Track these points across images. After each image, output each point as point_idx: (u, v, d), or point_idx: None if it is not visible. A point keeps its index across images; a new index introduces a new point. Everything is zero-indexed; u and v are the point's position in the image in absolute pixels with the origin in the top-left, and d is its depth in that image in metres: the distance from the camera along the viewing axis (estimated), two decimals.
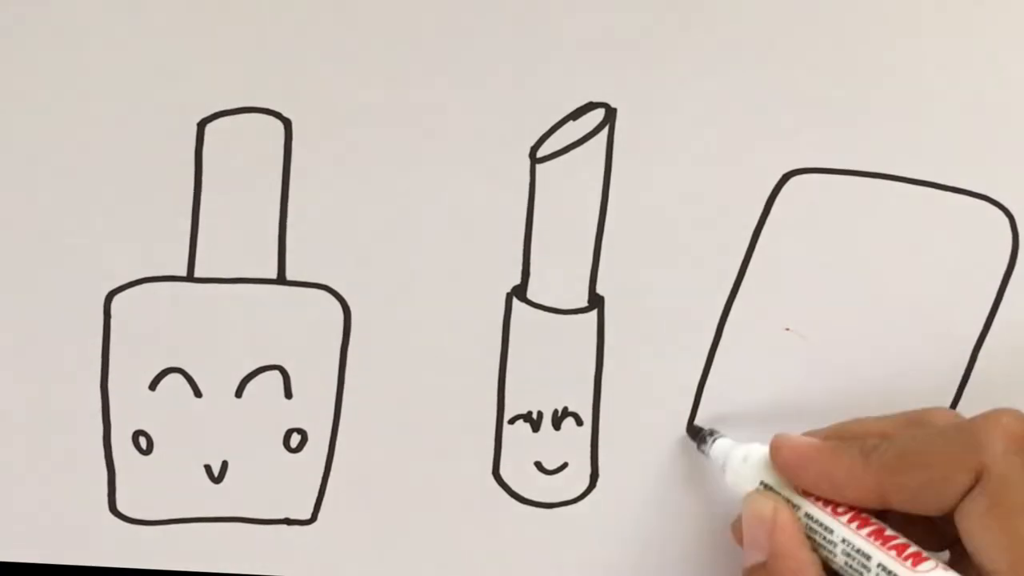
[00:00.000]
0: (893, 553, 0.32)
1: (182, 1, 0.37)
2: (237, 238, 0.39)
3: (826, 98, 0.38)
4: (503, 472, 0.41)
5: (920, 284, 0.39)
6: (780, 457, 0.36)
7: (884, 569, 0.32)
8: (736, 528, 0.38)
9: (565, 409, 0.40)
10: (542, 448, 0.41)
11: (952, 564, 0.33)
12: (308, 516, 0.41)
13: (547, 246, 0.39)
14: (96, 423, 0.40)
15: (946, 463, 0.32)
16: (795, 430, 0.40)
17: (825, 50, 0.38)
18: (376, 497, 0.41)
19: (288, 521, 0.41)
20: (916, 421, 0.36)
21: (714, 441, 0.39)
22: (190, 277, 0.39)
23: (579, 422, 0.41)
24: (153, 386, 0.40)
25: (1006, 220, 0.39)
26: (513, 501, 0.41)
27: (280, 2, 0.37)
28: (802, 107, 0.38)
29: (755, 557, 0.35)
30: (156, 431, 0.40)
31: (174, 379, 0.40)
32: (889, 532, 0.33)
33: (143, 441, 0.40)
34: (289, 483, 0.41)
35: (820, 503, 0.35)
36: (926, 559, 0.32)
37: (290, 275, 0.39)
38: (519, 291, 0.40)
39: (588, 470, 0.41)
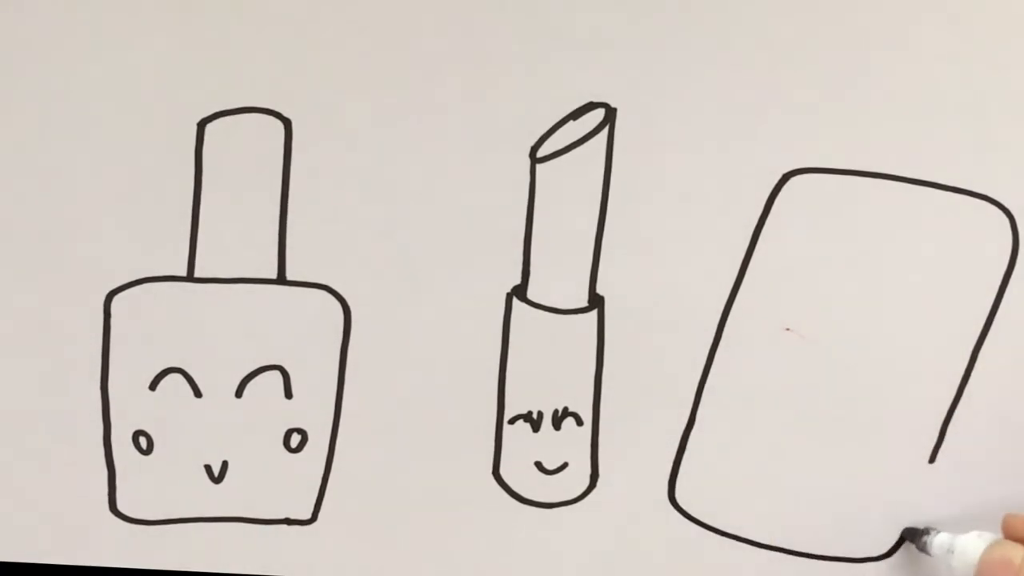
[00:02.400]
0: None
1: (182, 2, 0.37)
2: (237, 238, 0.39)
3: (826, 98, 0.38)
4: (503, 472, 0.41)
5: (920, 284, 0.39)
6: (1015, 527, 0.38)
7: None
8: None
9: (565, 409, 0.40)
10: (542, 448, 0.41)
11: None
12: (308, 516, 0.41)
13: (547, 246, 0.39)
14: (96, 423, 0.40)
15: None
16: (795, 430, 0.40)
17: (825, 51, 0.38)
18: (376, 497, 0.41)
19: (288, 521, 0.41)
20: None
21: (931, 540, 0.40)
22: (190, 277, 0.39)
23: (579, 422, 0.41)
24: (153, 386, 0.40)
25: (1006, 220, 0.39)
26: (513, 501, 0.41)
27: (280, 2, 0.37)
28: (802, 107, 0.38)
29: None
30: (156, 431, 0.40)
31: (174, 379, 0.40)
32: None
33: (143, 441, 0.40)
34: (289, 483, 0.41)
35: None
36: None
37: (290, 275, 0.39)
38: (519, 291, 0.40)
39: (588, 470, 0.41)
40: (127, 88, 0.38)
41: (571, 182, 0.39)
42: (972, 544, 0.38)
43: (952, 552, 0.39)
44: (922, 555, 0.40)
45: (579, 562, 0.42)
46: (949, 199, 0.39)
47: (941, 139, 0.38)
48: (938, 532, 0.40)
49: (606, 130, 0.38)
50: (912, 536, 0.41)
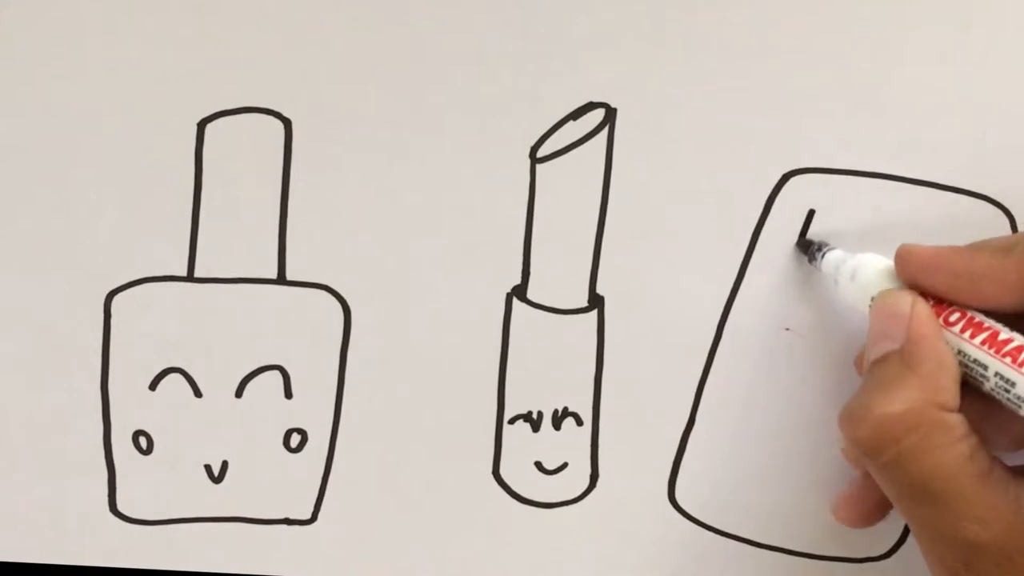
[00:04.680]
0: (1008, 360, 0.32)
1: (182, 2, 0.37)
2: (237, 238, 0.39)
3: (826, 98, 0.38)
4: (503, 472, 0.41)
5: None
6: (912, 260, 0.34)
7: (1001, 377, 0.32)
8: (859, 360, 0.37)
9: (565, 409, 0.40)
10: (542, 448, 0.41)
11: None
12: (308, 516, 0.41)
13: (547, 246, 0.39)
14: (96, 423, 0.40)
15: None
16: (795, 429, 0.40)
17: (825, 50, 0.38)
18: (376, 497, 0.41)
19: (288, 521, 0.41)
20: None
21: (824, 255, 0.37)
22: (190, 277, 0.39)
23: (579, 422, 0.41)
24: (153, 386, 0.40)
25: (1006, 220, 0.39)
26: (513, 501, 0.41)
27: (280, 2, 0.37)
28: (802, 107, 0.38)
29: (885, 347, 0.34)
30: (156, 431, 0.40)
31: (174, 379, 0.40)
32: (1004, 335, 0.32)
33: (143, 441, 0.40)
34: (289, 483, 0.41)
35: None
36: None
37: (290, 275, 0.39)
38: (519, 291, 0.40)
39: (588, 470, 0.41)
40: (127, 88, 0.38)
41: (571, 182, 0.39)
42: (864, 271, 0.36)
43: (842, 273, 0.36)
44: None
45: (579, 562, 0.42)
46: (949, 199, 0.39)
47: (941, 139, 0.38)
48: (832, 248, 0.37)
49: (606, 130, 0.38)
50: (805, 247, 0.39)
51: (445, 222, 0.39)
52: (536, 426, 0.41)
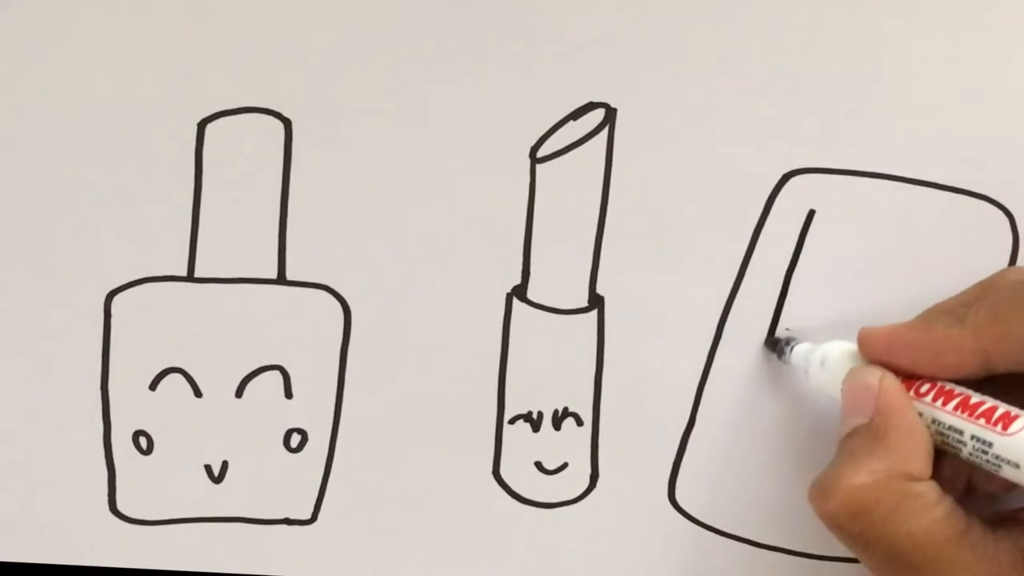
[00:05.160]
0: (982, 421, 0.32)
1: (182, 2, 0.37)
2: (237, 238, 0.39)
3: (826, 98, 0.38)
4: (503, 472, 0.41)
5: (920, 284, 0.39)
6: (873, 342, 0.35)
7: (977, 439, 0.32)
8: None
9: (565, 409, 0.40)
10: (542, 448, 0.41)
11: None
12: (308, 516, 0.41)
13: (547, 246, 0.39)
14: (96, 423, 0.40)
15: None
16: (795, 429, 0.40)
17: (825, 50, 0.38)
18: (376, 497, 0.41)
19: (288, 521, 0.41)
20: (994, 284, 0.36)
21: (792, 349, 0.38)
22: (190, 277, 0.39)
23: (579, 422, 0.41)
24: (153, 386, 0.40)
25: (1006, 220, 0.39)
26: (513, 501, 0.41)
27: (280, 2, 0.37)
28: (802, 107, 0.38)
29: (855, 421, 0.34)
30: (156, 431, 0.40)
31: (174, 379, 0.40)
32: (975, 399, 0.33)
33: (143, 441, 0.40)
34: (289, 483, 0.41)
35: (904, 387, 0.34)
36: (1016, 416, 0.31)
37: (290, 275, 0.39)
38: (519, 291, 0.40)
39: (588, 470, 0.41)
40: (127, 88, 0.38)
41: (571, 182, 0.39)
42: (832, 356, 0.36)
43: (812, 362, 0.37)
44: None
45: (579, 562, 0.42)
46: (949, 199, 0.39)
47: (941, 139, 0.39)
48: (799, 341, 0.38)
49: (606, 130, 0.38)
50: (772, 345, 0.39)
51: (445, 222, 0.39)
52: (536, 426, 0.41)
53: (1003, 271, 0.37)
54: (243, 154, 0.38)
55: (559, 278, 0.39)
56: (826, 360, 0.37)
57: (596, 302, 0.40)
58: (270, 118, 0.38)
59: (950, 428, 0.33)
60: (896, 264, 0.39)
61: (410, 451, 0.41)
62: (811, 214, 0.39)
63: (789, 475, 0.41)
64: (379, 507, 0.41)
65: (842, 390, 0.36)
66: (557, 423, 0.41)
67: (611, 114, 0.38)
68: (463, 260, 0.39)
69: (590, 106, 0.38)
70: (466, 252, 0.39)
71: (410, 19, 0.37)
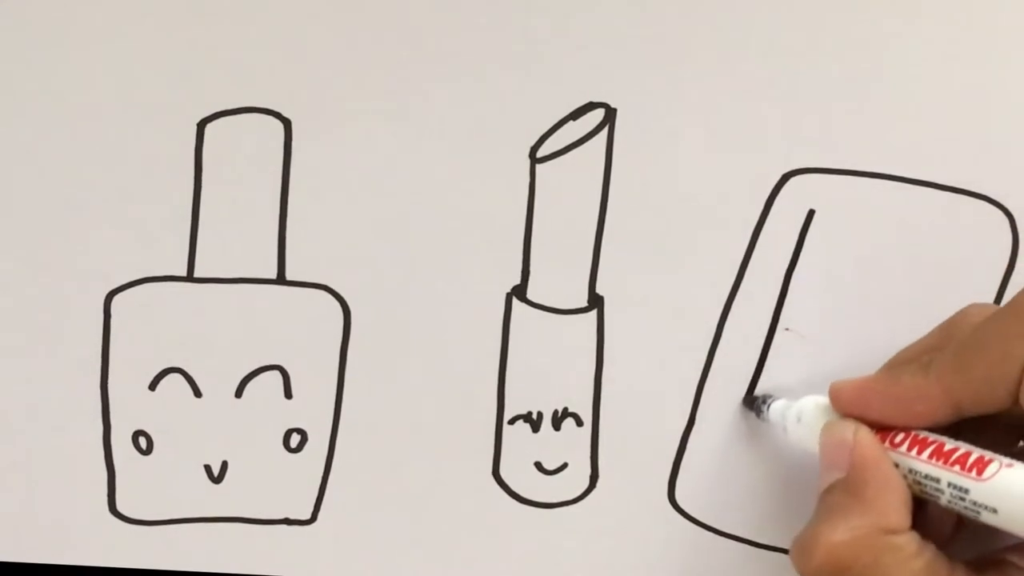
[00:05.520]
0: (957, 468, 0.32)
1: (182, 1, 0.37)
2: (237, 238, 0.39)
3: (826, 98, 0.38)
4: (503, 472, 0.41)
5: (920, 284, 0.39)
6: (842, 398, 0.35)
7: (954, 487, 0.32)
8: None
9: (565, 409, 0.40)
10: (542, 448, 0.41)
11: None
12: (308, 516, 0.41)
13: (547, 246, 0.39)
14: (96, 423, 0.40)
15: (1002, 341, 0.32)
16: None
17: (824, 50, 0.38)
18: (376, 497, 0.41)
19: (288, 521, 0.41)
20: (956, 324, 0.36)
21: (769, 407, 0.39)
22: (190, 277, 0.39)
23: (579, 422, 0.41)
24: (153, 386, 0.40)
25: (1006, 220, 0.39)
26: (513, 501, 0.41)
27: (280, 2, 0.37)
28: (802, 107, 0.38)
29: (833, 476, 0.35)
30: (156, 431, 0.40)
31: (174, 379, 0.40)
32: (948, 446, 0.33)
33: (143, 441, 0.40)
34: (289, 483, 0.41)
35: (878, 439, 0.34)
36: (989, 461, 0.31)
37: (290, 275, 0.39)
38: (519, 291, 0.40)
39: (588, 470, 0.41)
40: (127, 88, 0.38)
41: (571, 182, 0.39)
42: (807, 412, 0.37)
43: (788, 419, 0.37)
44: None
45: (579, 562, 0.42)
46: (949, 199, 0.39)
47: (941, 139, 0.39)
48: (776, 399, 0.39)
49: (606, 130, 0.38)
50: (750, 404, 0.40)
51: (445, 222, 0.39)
52: (536, 426, 0.41)
53: (964, 310, 0.36)
54: (243, 154, 0.38)
55: (559, 278, 0.39)
56: (802, 416, 0.37)
57: (596, 302, 0.40)
58: (270, 118, 0.38)
59: (927, 477, 0.33)
60: (896, 264, 0.39)
61: (410, 451, 0.41)
62: (811, 214, 0.39)
63: (789, 475, 0.41)
64: (379, 507, 0.41)
65: (820, 445, 0.36)
66: (557, 423, 0.41)
67: (611, 114, 0.38)
68: (463, 260, 0.39)
69: (590, 106, 0.38)
70: (466, 252, 0.39)
71: (410, 19, 0.37)
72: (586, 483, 0.41)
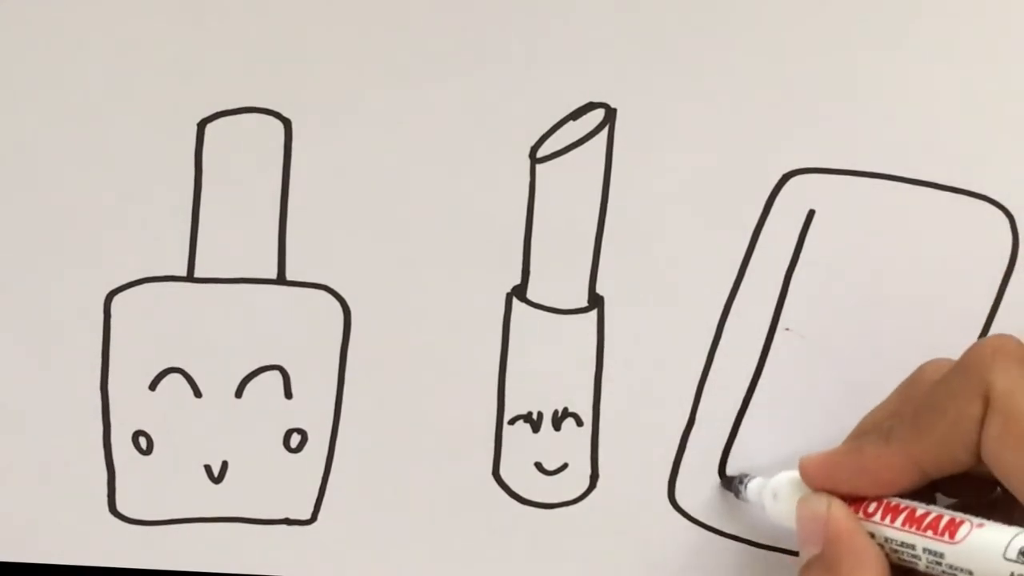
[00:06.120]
0: (930, 533, 0.32)
1: (182, 2, 0.37)
2: (237, 238, 0.39)
3: (826, 98, 0.38)
4: (503, 472, 0.41)
5: (920, 284, 0.39)
6: (811, 473, 0.36)
7: (930, 552, 0.32)
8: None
9: (565, 409, 0.40)
10: (542, 448, 0.41)
11: (1002, 506, 0.33)
12: (308, 516, 0.41)
13: (547, 246, 0.39)
14: (96, 423, 0.40)
15: (955, 402, 0.32)
16: (794, 430, 0.40)
17: (825, 50, 0.38)
18: (376, 497, 0.41)
19: (288, 521, 0.41)
20: (914, 384, 0.36)
21: (746, 486, 0.39)
22: (190, 277, 0.39)
23: (579, 422, 0.41)
24: (153, 386, 0.40)
25: (1006, 220, 0.39)
26: (513, 501, 0.41)
27: (280, 2, 0.37)
28: (802, 107, 0.38)
29: (810, 552, 0.35)
30: (156, 431, 0.40)
31: (174, 379, 0.40)
32: (920, 511, 0.33)
33: (143, 441, 0.40)
34: (289, 483, 0.41)
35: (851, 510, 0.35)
36: (960, 523, 0.31)
37: (290, 275, 0.39)
38: (519, 291, 0.40)
39: (588, 470, 0.41)
40: (127, 88, 0.38)
41: (571, 182, 0.39)
42: (783, 489, 0.37)
43: (765, 497, 0.38)
44: None
45: (579, 562, 0.41)
46: (949, 199, 0.39)
47: (941, 139, 0.39)
48: (752, 477, 0.39)
49: (606, 130, 0.38)
50: (728, 484, 0.40)
51: (445, 222, 0.39)
52: (536, 427, 0.41)
53: (921, 368, 0.36)
54: (243, 154, 0.38)
55: (559, 278, 0.39)
56: (777, 493, 0.37)
57: (596, 302, 0.40)
58: (270, 118, 0.38)
59: (903, 544, 0.33)
60: (896, 264, 0.39)
61: (410, 451, 0.41)
62: (811, 214, 0.39)
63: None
64: (379, 507, 0.41)
65: (796, 520, 0.36)
66: (557, 423, 0.41)
67: (611, 114, 0.38)
68: (463, 260, 0.39)
69: (590, 106, 0.38)
70: (466, 252, 0.39)
71: (410, 19, 0.37)
72: (586, 483, 0.41)
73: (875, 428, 0.36)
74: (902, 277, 0.39)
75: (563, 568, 0.42)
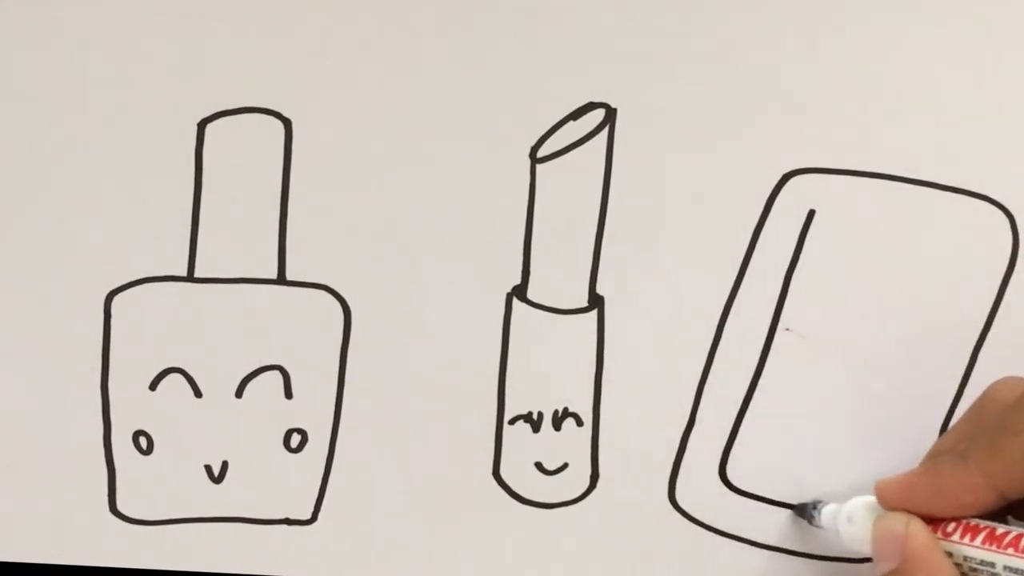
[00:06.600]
0: (1011, 551, 0.33)
1: (182, 2, 0.37)
2: (237, 238, 0.39)
3: (826, 98, 0.38)
4: (503, 472, 0.41)
5: (920, 284, 0.39)
6: (888, 495, 0.36)
7: (1011, 569, 0.33)
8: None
9: (565, 409, 0.40)
10: (542, 448, 0.41)
11: None
12: (308, 516, 0.41)
13: (547, 246, 0.39)
14: (96, 423, 0.40)
15: None
16: (794, 430, 0.40)
17: (825, 50, 0.38)
18: (376, 497, 0.41)
19: (288, 521, 0.41)
20: (987, 404, 0.37)
21: (820, 512, 0.39)
22: (190, 277, 0.39)
23: (579, 422, 0.41)
24: (153, 386, 0.40)
25: (1006, 220, 0.39)
26: (513, 501, 0.41)
27: (280, 2, 0.37)
28: (802, 107, 0.38)
29: (885, 568, 0.35)
30: (156, 431, 0.40)
31: (174, 379, 0.40)
32: (1001, 530, 0.34)
33: (143, 441, 0.40)
34: (289, 483, 0.41)
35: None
36: None
37: (290, 275, 0.39)
38: (519, 291, 0.40)
39: (588, 470, 0.41)
40: (127, 88, 0.38)
41: (571, 182, 0.39)
42: (858, 513, 0.37)
43: (840, 522, 0.38)
44: None
45: (579, 562, 0.42)
46: (949, 199, 0.39)
47: (941, 139, 0.39)
48: (826, 503, 0.39)
49: (606, 130, 0.38)
50: (801, 512, 0.40)
51: (445, 222, 0.39)
52: (536, 426, 0.41)
53: (992, 387, 0.37)
54: (243, 154, 0.38)
55: (559, 278, 0.39)
56: (852, 517, 0.37)
57: (596, 302, 0.40)
58: (270, 118, 0.38)
59: (982, 563, 0.33)
60: (896, 264, 0.39)
61: (410, 451, 0.41)
62: (811, 214, 0.39)
63: (789, 476, 0.41)
64: (379, 507, 0.41)
65: (871, 539, 0.36)
66: (557, 423, 0.41)
67: (611, 114, 0.38)
68: (463, 260, 0.39)
69: (590, 106, 0.38)
70: (466, 252, 0.39)
71: (410, 19, 0.37)
72: (586, 483, 0.41)
73: (951, 449, 0.36)
74: (902, 277, 0.39)
75: (563, 568, 0.42)
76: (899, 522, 0.35)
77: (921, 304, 0.40)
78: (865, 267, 0.39)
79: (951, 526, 0.35)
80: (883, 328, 0.40)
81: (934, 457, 0.37)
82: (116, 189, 0.38)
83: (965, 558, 0.34)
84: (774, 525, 0.41)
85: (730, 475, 0.41)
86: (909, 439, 0.41)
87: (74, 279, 0.39)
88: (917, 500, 0.35)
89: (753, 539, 0.41)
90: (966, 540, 0.34)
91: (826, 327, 0.40)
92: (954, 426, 0.38)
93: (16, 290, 0.39)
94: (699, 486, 0.41)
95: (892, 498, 0.36)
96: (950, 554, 0.34)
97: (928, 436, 0.41)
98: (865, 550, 0.37)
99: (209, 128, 0.38)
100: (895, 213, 0.39)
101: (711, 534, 0.41)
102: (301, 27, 0.37)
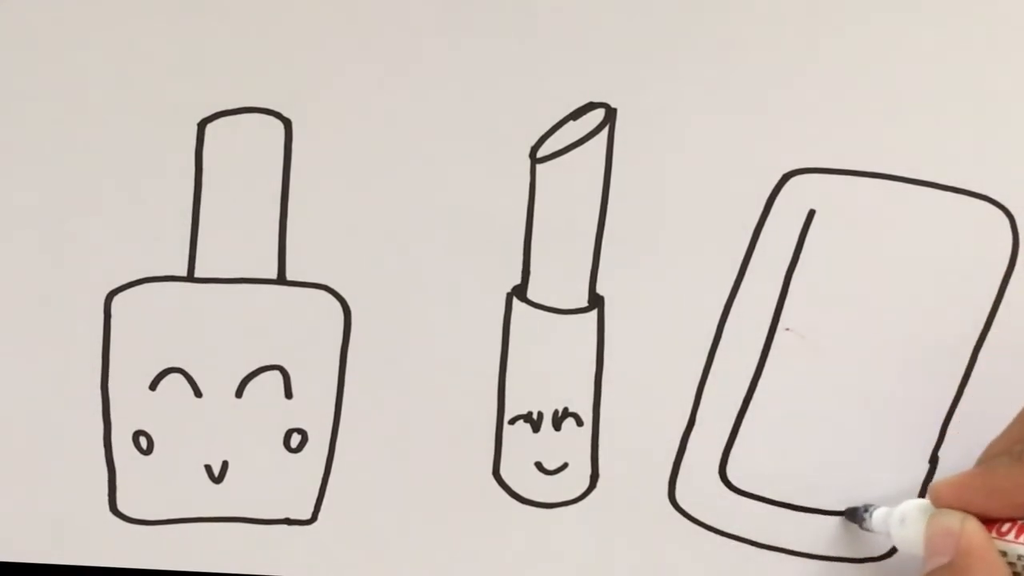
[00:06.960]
0: None
1: (182, 2, 0.37)
2: (237, 238, 0.39)
3: (826, 98, 0.38)
4: (503, 472, 0.41)
5: (920, 284, 0.39)
6: (943, 495, 0.36)
7: None
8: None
9: (565, 409, 0.40)
10: (542, 448, 0.41)
11: None
12: (308, 516, 0.41)
13: (547, 246, 0.39)
14: (96, 423, 0.40)
15: None
16: (794, 430, 0.40)
17: (825, 50, 0.38)
18: (376, 497, 0.41)
19: (288, 521, 0.41)
20: None
21: (871, 515, 0.39)
22: (190, 277, 0.39)
23: (579, 422, 0.41)
24: (153, 386, 0.40)
25: (1006, 220, 0.39)
26: (513, 501, 0.41)
27: (279, 2, 0.37)
28: (802, 107, 0.38)
29: (937, 561, 0.35)
30: (156, 431, 0.40)
31: (174, 379, 0.40)
32: None
33: (143, 441, 0.40)
34: (289, 483, 0.41)
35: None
36: None
37: (290, 275, 0.39)
38: (519, 291, 0.40)
39: (588, 470, 0.41)
40: (127, 88, 0.38)
41: (571, 182, 0.39)
42: (910, 514, 0.38)
43: (892, 524, 0.38)
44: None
45: (579, 562, 0.42)
46: (949, 199, 0.39)
47: (941, 139, 0.39)
48: (876, 507, 0.39)
49: (606, 130, 0.38)
50: (852, 516, 0.41)
51: (445, 222, 0.39)
52: (536, 426, 0.41)
53: None
54: (243, 154, 0.38)
55: (559, 278, 0.39)
56: (905, 519, 0.38)
57: (596, 302, 0.40)
58: (270, 118, 0.38)
59: None
60: (896, 264, 0.39)
61: (410, 451, 0.41)
62: (811, 214, 0.39)
63: (789, 476, 0.41)
64: (379, 507, 0.41)
65: (925, 536, 0.36)
66: (557, 423, 0.41)
67: (611, 114, 0.38)
68: (463, 260, 0.39)
69: (590, 106, 0.38)
70: (466, 252, 0.39)
71: (410, 19, 0.38)
72: (586, 483, 0.41)
73: (1006, 451, 0.36)
74: (902, 277, 0.39)
75: (563, 568, 0.42)
76: (955, 519, 0.35)
77: (921, 304, 0.40)
78: (865, 267, 0.39)
79: (1006, 526, 0.35)
80: (883, 328, 0.40)
81: (989, 458, 0.38)
82: (116, 189, 0.38)
83: (1019, 557, 0.34)
84: (774, 525, 0.41)
85: (730, 475, 0.41)
86: (909, 439, 0.41)
87: (74, 279, 0.39)
88: (972, 500, 0.36)
89: (753, 539, 0.41)
90: (1021, 540, 0.34)
91: (826, 327, 0.40)
92: (1009, 428, 0.38)
93: (16, 290, 0.39)
94: (699, 486, 0.41)
95: (947, 498, 0.36)
96: (1004, 553, 0.34)
97: (928, 436, 0.41)
98: (917, 551, 0.37)
99: (209, 128, 0.38)
100: (895, 213, 0.39)
101: (711, 534, 0.41)
102: (301, 27, 0.37)
